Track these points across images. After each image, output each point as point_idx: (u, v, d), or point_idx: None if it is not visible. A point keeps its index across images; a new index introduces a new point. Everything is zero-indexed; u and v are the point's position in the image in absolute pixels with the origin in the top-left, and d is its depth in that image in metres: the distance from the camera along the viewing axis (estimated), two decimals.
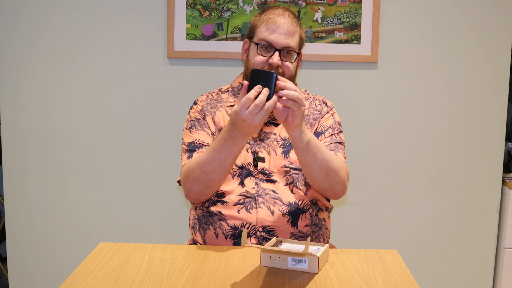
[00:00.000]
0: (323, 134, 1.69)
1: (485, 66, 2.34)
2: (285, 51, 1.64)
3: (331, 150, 1.66)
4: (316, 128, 1.71)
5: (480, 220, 2.42)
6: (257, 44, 1.66)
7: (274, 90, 1.40)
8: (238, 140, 1.49)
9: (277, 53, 1.63)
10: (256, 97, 1.39)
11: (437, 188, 2.40)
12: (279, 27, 1.63)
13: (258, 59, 1.65)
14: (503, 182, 2.42)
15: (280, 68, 1.64)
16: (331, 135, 1.70)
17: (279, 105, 1.43)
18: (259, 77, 1.41)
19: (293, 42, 1.65)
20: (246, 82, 1.42)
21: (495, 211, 2.42)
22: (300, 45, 1.71)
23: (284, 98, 1.41)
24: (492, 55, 2.33)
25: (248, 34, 1.72)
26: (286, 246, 1.45)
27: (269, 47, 1.64)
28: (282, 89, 1.41)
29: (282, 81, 1.41)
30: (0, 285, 2.76)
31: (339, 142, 1.70)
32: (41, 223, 2.39)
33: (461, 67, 2.34)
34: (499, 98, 2.36)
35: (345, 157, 1.69)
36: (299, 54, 1.69)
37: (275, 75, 1.40)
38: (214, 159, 1.53)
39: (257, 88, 1.40)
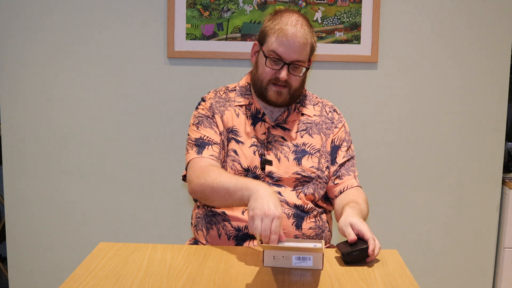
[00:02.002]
0: (339, 149, 1.71)
1: (485, 66, 2.34)
2: (294, 65, 1.62)
3: (350, 170, 1.71)
4: (333, 140, 1.72)
5: (480, 220, 2.42)
6: (266, 56, 1.63)
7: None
8: (245, 203, 1.46)
9: (285, 67, 1.61)
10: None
11: (437, 188, 2.40)
12: (290, 42, 1.59)
13: (266, 71, 1.63)
14: (503, 182, 2.42)
15: (288, 81, 1.62)
16: (347, 149, 1.73)
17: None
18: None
19: (302, 56, 1.61)
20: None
21: (495, 211, 2.42)
22: (310, 53, 1.67)
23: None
24: (492, 55, 2.33)
25: (259, 37, 1.68)
26: (286, 245, 1.44)
27: (278, 60, 1.61)
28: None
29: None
30: (0, 285, 2.76)
31: (352, 157, 1.74)
32: (41, 223, 2.39)
33: (461, 67, 2.34)
34: (499, 98, 2.36)
35: (356, 173, 1.74)
36: (308, 68, 1.67)
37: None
38: (224, 193, 1.51)
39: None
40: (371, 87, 2.34)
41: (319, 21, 2.28)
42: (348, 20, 2.28)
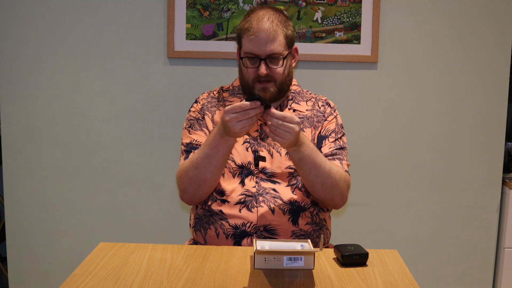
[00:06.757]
0: (327, 139, 1.70)
1: (485, 66, 2.34)
2: (270, 58, 1.64)
3: (336, 156, 1.67)
4: (320, 131, 1.71)
5: (480, 220, 2.42)
6: (242, 58, 1.67)
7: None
8: (226, 138, 1.52)
9: (262, 63, 1.63)
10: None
11: (437, 188, 2.40)
12: (258, 36, 1.62)
13: (248, 71, 1.67)
14: (503, 182, 2.42)
15: (271, 74, 1.64)
16: (335, 140, 1.70)
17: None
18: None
19: (276, 46, 1.63)
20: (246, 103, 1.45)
21: (495, 211, 2.42)
22: (288, 43, 1.67)
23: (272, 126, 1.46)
24: (492, 55, 2.33)
25: (237, 41, 1.72)
26: (274, 244, 1.42)
27: (254, 58, 1.64)
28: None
29: (274, 117, 1.45)
30: (0, 285, 2.76)
31: (342, 148, 1.71)
32: (41, 223, 2.39)
33: (461, 67, 2.34)
34: (499, 98, 2.36)
35: (348, 164, 1.70)
36: (286, 57, 1.67)
37: (269, 108, 1.46)
38: (205, 156, 1.56)
39: (254, 103, 1.44)
40: (371, 87, 2.34)
41: (319, 21, 2.28)
42: (348, 20, 2.28)
